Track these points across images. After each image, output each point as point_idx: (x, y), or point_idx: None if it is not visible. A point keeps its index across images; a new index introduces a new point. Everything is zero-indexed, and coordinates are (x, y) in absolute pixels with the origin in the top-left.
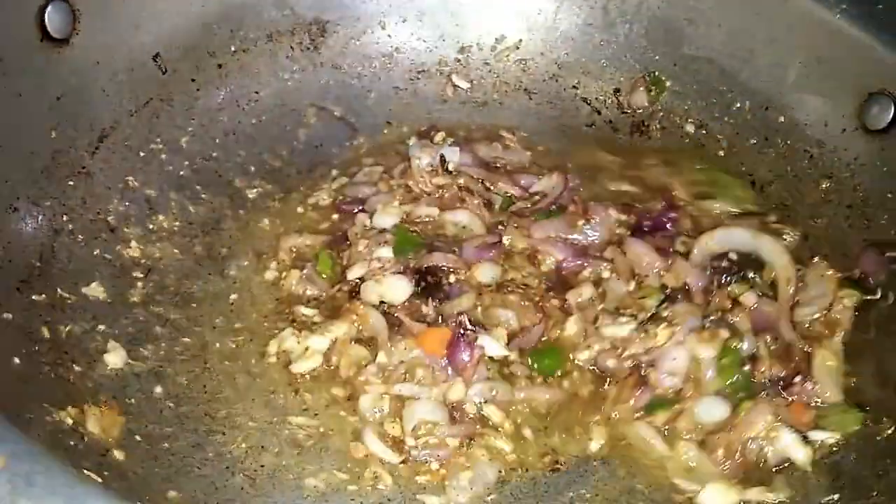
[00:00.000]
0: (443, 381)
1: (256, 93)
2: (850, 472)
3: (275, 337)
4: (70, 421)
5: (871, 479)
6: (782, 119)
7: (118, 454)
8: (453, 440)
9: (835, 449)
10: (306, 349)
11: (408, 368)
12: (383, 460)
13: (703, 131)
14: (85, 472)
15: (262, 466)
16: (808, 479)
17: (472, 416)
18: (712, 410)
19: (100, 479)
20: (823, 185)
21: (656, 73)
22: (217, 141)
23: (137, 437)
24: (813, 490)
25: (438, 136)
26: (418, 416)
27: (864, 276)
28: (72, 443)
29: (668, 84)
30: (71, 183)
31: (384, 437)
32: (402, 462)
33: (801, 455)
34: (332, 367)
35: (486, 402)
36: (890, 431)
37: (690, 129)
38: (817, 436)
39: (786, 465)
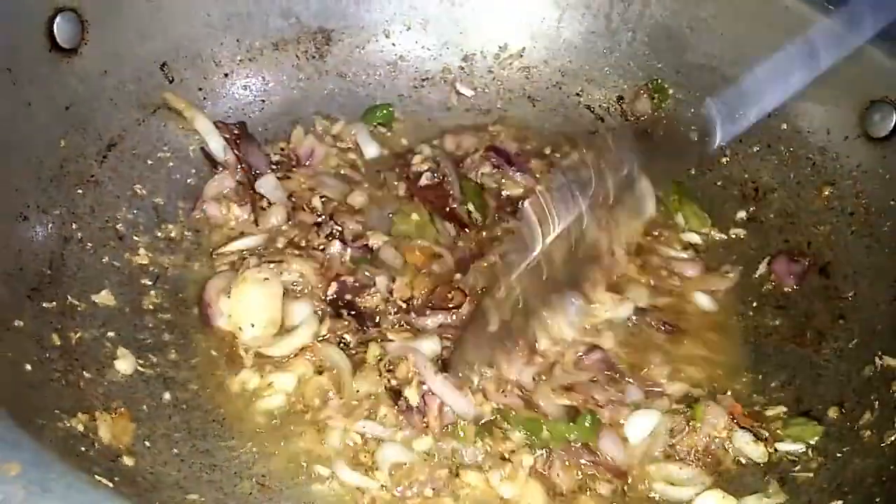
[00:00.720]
0: (407, 425)
1: (262, 101)
2: (853, 479)
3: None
4: (81, 427)
5: (875, 486)
6: (785, 126)
7: (128, 460)
8: (442, 471)
9: (839, 455)
10: (270, 384)
11: (371, 405)
12: (363, 488)
13: (706, 138)
14: (96, 477)
15: (271, 472)
16: (810, 486)
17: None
18: (642, 425)
19: (110, 485)
20: (826, 193)
21: (659, 81)
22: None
23: (147, 444)
24: (816, 495)
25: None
26: (389, 460)
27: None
28: (83, 449)
29: (670, 91)
30: (80, 191)
31: (359, 466)
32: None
33: (756, 453)
34: (299, 407)
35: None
36: (894, 438)
37: (693, 136)
38: (781, 447)
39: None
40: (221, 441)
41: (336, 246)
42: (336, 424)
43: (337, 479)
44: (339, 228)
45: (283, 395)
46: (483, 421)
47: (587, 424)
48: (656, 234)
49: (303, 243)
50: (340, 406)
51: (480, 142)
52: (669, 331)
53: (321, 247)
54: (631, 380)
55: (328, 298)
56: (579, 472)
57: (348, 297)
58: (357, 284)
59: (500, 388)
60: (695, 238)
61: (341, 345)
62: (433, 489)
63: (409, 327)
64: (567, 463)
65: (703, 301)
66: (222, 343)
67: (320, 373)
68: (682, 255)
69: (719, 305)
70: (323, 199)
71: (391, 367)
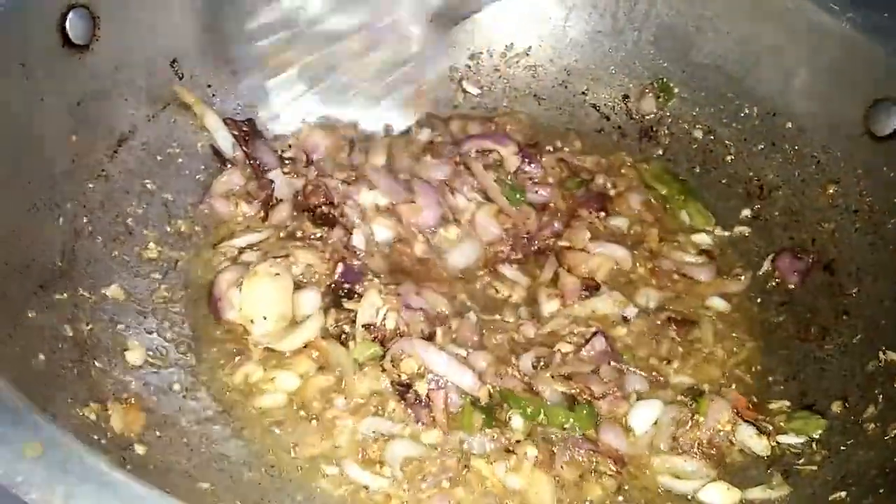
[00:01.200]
0: (415, 419)
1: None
2: (857, 471)
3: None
4: (93, 416)
5: (878, 478)
6: (789, 125)
7: (139, 448)
8: (451, 461)
9: (842, 448)
10: (272, 379)
11: (378, 402)
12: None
13: (711, 137)
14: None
15: (280, 463)
16: (814, 478)
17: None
18: (646, 416)
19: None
20: (830, 190)
21: (665, 80)
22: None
23: (157, 433)
24: (820, 487)
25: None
26: (400, 456)
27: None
28: (95, 437)
29: (676, 90)
30: (91, 186)
31: (368, 463)
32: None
33: (759, 446)
34: (302, 405)
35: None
36: None
37: (698, 134)
38: (784, 440)
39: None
40: (231, 431)
41: (338, 232)
42: (344, 423)
43: (346, 477)
44: (342, 218)
45: (284, 393)
46: (485, 402)
47: (584, 414)
48: (669, 239)
49: (298, 234)
50: (346, 404)
51: (486, 129)
52: (681, 326)
53: (319, 235)
54: (634, 370)
55: (332, 283)
56: (582, 461)
57: (348, 285)
58: (359, 271)
59: (497, 371)
60: (706, 240)
61: (343, 337)
62: (448, 479)
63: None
64: (570, 454)
65: (719, 304)
66: (231, 336)
67: (322, 370)
68: (695, 259)
69: (731, 305)
70: (331, 194)
71: (394, 363)
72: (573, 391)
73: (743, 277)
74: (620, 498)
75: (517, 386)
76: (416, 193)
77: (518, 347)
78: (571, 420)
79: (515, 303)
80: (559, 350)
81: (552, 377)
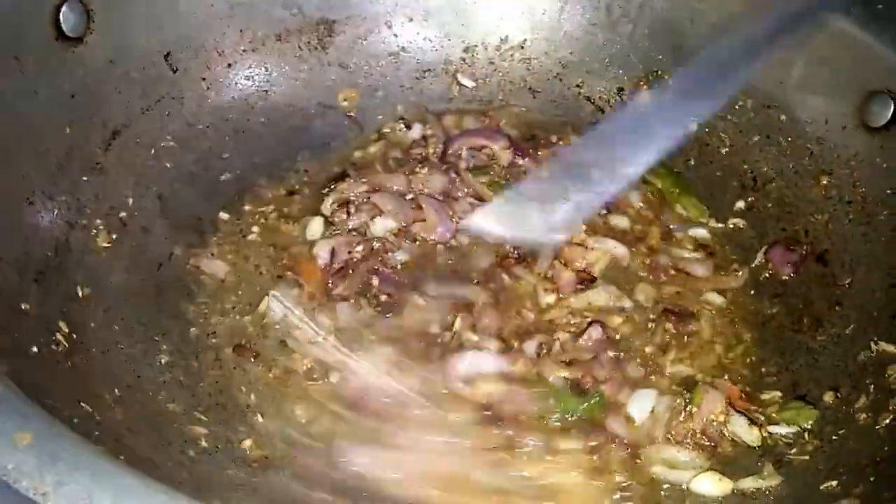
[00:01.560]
0: None
1: (265, 91)
2: (849, 460)
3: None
4: (87, 408)
5: (870, 467)
6: (784, 117)
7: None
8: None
9: (834, 437)
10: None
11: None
12: None
13: (706, 129)
14: None
15: (278, 457)
16: (806, 468)
17: None
18: (643, 405)
19: None
20: (823, 182)
21: (659, 72)
22: (227, 139)
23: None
24: (812, 477)
25: None
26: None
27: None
28: (89, 429)
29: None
30: (85, 178)
31: None
32: None
33: (750, 436)
34: None
35: None
36: (888, 420)
37: (693, 126)
38: (776, 430)
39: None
40: (226, 426)
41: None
42: None
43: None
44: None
45: None
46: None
47: (594, 402)
48: (667, 235)
49: None
50: None
51: (480, 124)
52: (679, 318)
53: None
54: (630, 359)
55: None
56: (591, 450)
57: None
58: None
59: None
60: (703, 235)
61: None
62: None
63: None
64: (579, 442)
65: (715, 299)
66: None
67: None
68: (692, 255)
69: (727, 300)
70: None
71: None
72: (576, 377)
73: (740, 273)
74: (621, 488)
75: (526, 372)
76: (425, 210)
77: (525, 334)
78: (582, 407)
79: (519, 294)
80: (557, 339)
81: (555, 363)
